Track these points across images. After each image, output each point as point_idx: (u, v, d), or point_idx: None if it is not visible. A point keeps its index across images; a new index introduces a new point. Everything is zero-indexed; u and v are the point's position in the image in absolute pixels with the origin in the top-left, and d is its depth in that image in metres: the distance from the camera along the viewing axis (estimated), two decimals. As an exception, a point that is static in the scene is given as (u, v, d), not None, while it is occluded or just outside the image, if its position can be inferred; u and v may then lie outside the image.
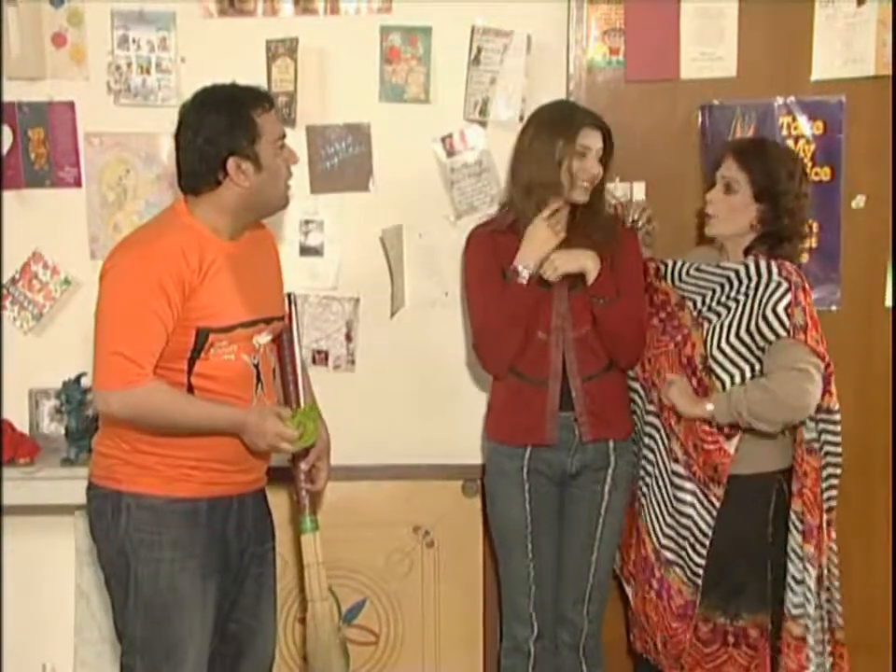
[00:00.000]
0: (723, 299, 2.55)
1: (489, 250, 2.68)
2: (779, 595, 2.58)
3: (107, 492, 2.32)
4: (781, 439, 2.57)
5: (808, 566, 2.54)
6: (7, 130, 2.90)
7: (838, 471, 2.62)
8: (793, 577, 2.55)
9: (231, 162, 2.26)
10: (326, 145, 2.92)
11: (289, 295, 2.55)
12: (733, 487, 2.51)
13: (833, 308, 2.95)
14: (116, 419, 2.26)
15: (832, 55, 2.87)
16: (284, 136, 2.37)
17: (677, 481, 2.59)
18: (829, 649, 2.63)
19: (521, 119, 2.87)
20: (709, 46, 2.86)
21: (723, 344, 2.51)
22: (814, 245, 2.94)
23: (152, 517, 2.28)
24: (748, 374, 2.51)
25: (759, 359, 2.51)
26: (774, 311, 2.47)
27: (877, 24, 2.85)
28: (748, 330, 2.49)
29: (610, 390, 2.69)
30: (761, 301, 2.49)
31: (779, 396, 2.44)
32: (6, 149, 2.90)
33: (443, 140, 2.92)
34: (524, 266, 2.57)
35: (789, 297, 2.47)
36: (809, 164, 2.88)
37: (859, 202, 2.92)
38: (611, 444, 2.69)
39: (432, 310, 2.96)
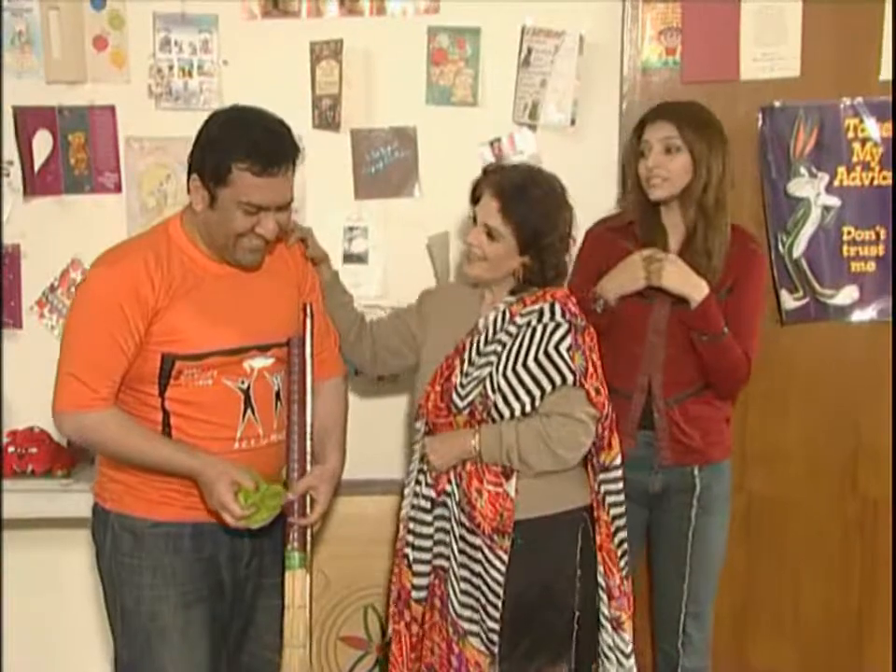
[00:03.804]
0: (496, 335, 2.36)
1: (593, 251, 2.61)
2: (588, 642, 2.34)
3: (99, 510, 2.28)
4: (577, 472, 2.37)
5: (616, 628, 2.32)
6: (47, 134, 2.86)
7: (624, 535, 2.37)
8: (606, 643, 2.35)
9: (193, 178, 2.16)
10: (370, 149, 2.86)
11: (305, 306, 2.36)
12: (529, 533, 2.29)
13: (904, 319, 2.85)
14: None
15: (901, 54, 2.76)
16: (267, 208, 2.15)
17: (465, 535, 2.33)
18: None
19: (572, 122, 2.82)
20: (771, 45, 2.77)
21: (501, 379, 2.30)
22: (881, 253, 2.83)
23: (133, 540, 2.22)
24: (527, 408, 2.29)
25: (535, 397, 2.29)
26: (557, 349, 2.28)
27: (949, 20, 2.74)
28: (525, 365, 2.28)
29: (699, 414, 2.56)
30: (542, 336, 2.30)
31: (552, 444, 2.27)
32: (46, 155, 2.87)
33: (491, 144, 2.85)
34: (602, 296, 2.50)
35: (569, 339, 2.30)
36: (877, 168, 2.79)
37: (929, 208, 2.81)
38: (695, 469, 2.56)
39: (479, 319, 2.87)
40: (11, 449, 2.82)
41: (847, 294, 2.84)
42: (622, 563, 2.36)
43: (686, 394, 2.54)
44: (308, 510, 2.30)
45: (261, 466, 2.25)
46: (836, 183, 2.81)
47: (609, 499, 2.36)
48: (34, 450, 2.81)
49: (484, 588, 2.30)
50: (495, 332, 2.36)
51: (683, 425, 2.54)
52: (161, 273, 2.15)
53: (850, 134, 2.80)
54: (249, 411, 2.23)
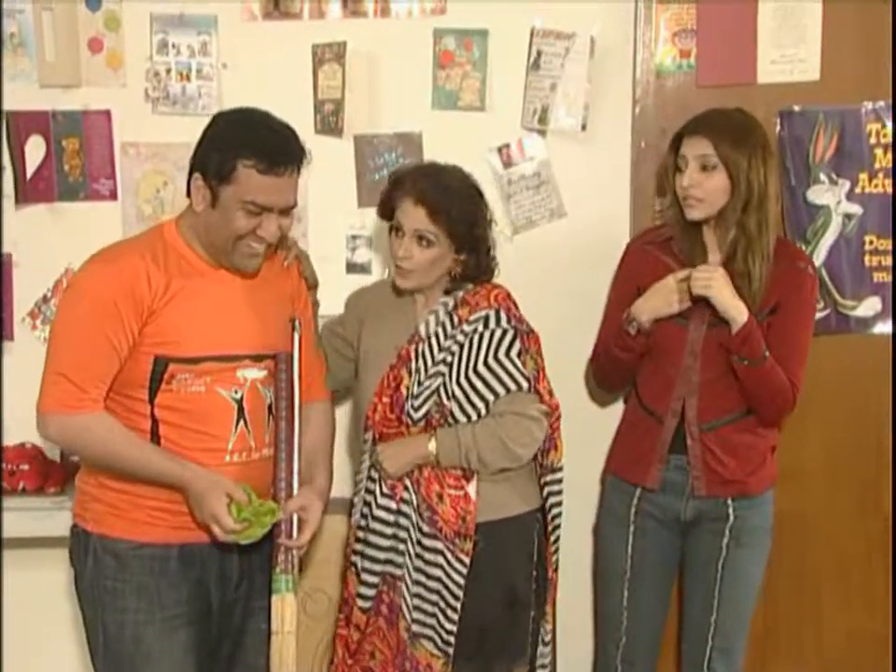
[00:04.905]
0: (446, 342, 2.35)
1: (631, 266, 2.57)
2: (537, 637, 2.43)
3: (79, 531, 2.20)
4: (530, 474, 2.41)
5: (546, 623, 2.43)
6: (40, 140, 2.79)
7: (559, 532, 2.46)
8: (542, 638, 2.44)
9: (195, 177, 2.10)
10: (374, 155, 2.79)
11: (294, 321, 2.28)
12: (489, 536, 2.31)
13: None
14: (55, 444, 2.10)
15: (924, 55, 2.70)
16: (270, 209, 2.09)
17: (423, 540, 2.33)
18: None
19: (583, 127, 2.76)
20: (790, 47, 2.70)
21: (455, 387, 2.31)
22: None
23: (116, 563, 2.14)
24: (483, 413, 2.31)
25: (489, 402, 2.31)
26: (508, 355, 2.31)
27: (974, 22, 2.68)
28: (476, 371, 2.30)
29: (738, 441, 2.47)
30: (490, 342, 2.32)
31: (508, 442, 2.31)
32: (38, 161, 2.80)
33: (500, 150, 2.79)
34: (635, 318, 2.44)
35: (518, 344, 2.33)
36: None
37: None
38: (729, 499, 2.48)
39: (487, 331, 2.80)
40: (2, 466, 2.74)
41: (870, 305, 2.78)
42: (553, 558, 2.45)
43: (723, 420, 2.46)
44: (296, 530, 2.21)
45: (253, 480, 2.18)
46: (858, 190, 2.75)
47: (552, 500, 2.44)
48: (25, 466, 2.74)
49: (444, 592, 2.30)
50: (445, 339, 2.35)
51: (720, 453, 2.46)
52: (159, 273, 2.09)
53: (872, 140, 2.73)
54: (242, 422, 2.17)
